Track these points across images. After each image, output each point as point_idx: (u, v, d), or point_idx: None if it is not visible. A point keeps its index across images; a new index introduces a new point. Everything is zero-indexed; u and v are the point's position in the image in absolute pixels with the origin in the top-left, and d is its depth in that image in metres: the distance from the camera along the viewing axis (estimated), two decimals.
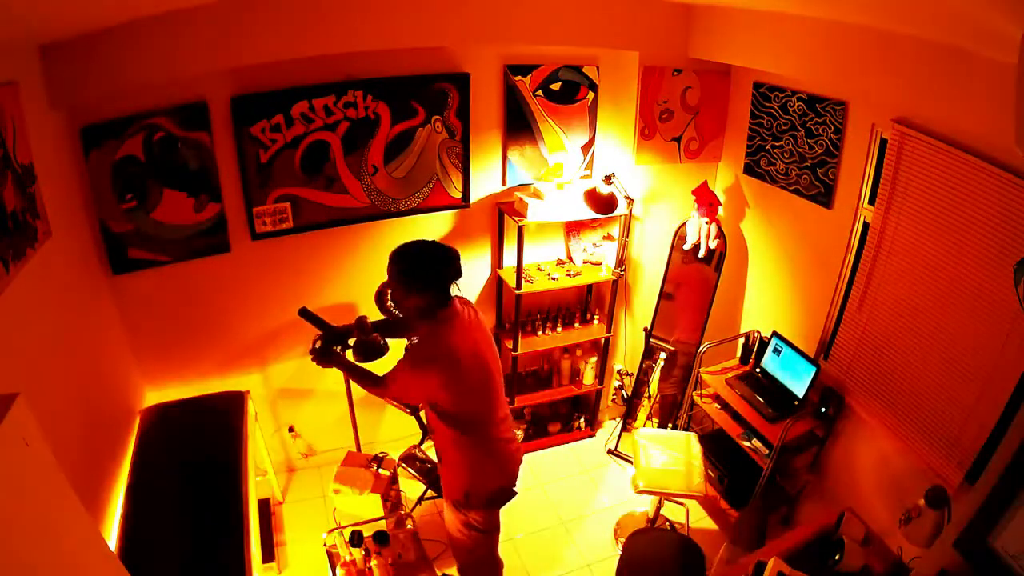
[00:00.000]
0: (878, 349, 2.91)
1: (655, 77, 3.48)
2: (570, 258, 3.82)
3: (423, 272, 2.11)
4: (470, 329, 2.21)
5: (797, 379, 3.19)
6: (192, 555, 2.28)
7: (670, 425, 3.88)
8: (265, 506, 3.38)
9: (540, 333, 3.77)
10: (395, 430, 3.92)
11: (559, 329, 3.82)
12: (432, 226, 3.51)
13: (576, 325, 3.86)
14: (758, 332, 3.55)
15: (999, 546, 1.80)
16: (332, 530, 2.71)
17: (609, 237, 3.76)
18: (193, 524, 2.39)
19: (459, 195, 3.47)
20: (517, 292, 3.49)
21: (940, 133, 2.47)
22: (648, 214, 3.85)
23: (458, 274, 2.16)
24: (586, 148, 3.62)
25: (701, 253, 3.61)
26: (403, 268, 2.12)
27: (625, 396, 4.13)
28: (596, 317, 3.92)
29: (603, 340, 3.91)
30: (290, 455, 3.82)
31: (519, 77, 3.31)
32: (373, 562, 2.49)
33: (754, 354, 3.55)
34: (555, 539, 3.44)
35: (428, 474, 3.27)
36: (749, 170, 3.58)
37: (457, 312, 2.19)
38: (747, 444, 3.25)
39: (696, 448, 3.28)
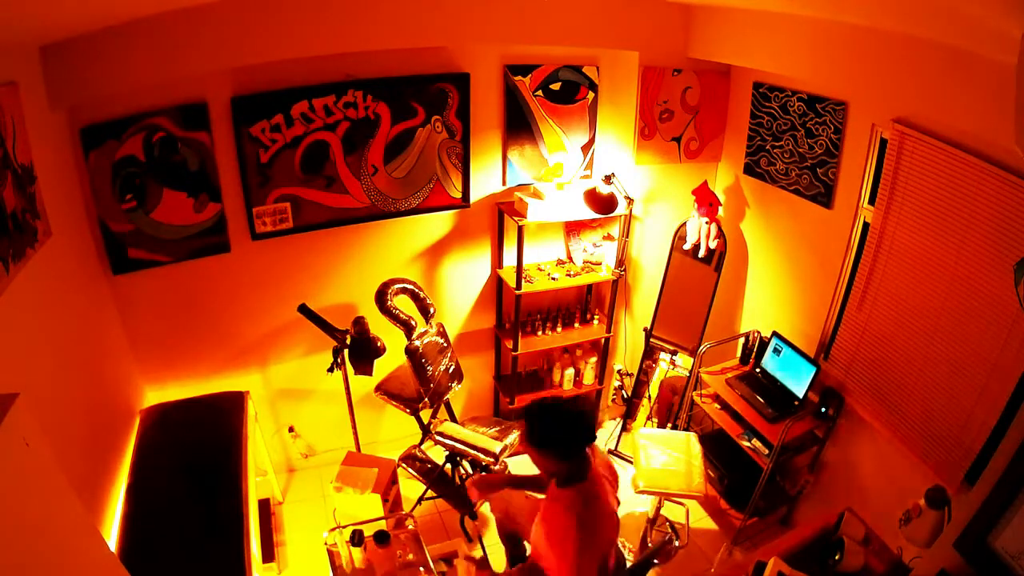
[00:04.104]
0: (878, 349, 2.91)
1: (655, 77, 3.48)
2: (570, 258, 3.82)
3: (555, 439, 2.01)
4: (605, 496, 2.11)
5: (797, 379, 3.19)
6: (192, 555, 2.28)
7: (669, 425, 3.88)
8: (265, 506, 3.38)
9: (540, 333, 3.77)
10: (395, 430, 3.92)
11: (559, 329, 3.82)
12: (432, 226, 3.51)
13: (576, 325, 3.86)
14: (758, 332, 3.55)
15: (999, 546, 1.80)
16: (332, 530, 2.71)
17: (609, 237, 3.76)
18: (193, 524, 2.39)
19: (459, 195, 3.47)
20: (517, 292, 3.49)
21: (940, 133, 2.47)
22: (648, 214, 3.85)
23: (589, 439, 2.06)
24: (586, 148, 3.61)
25: (701, 253, 3.61)
26: (533, 434, 2.02)
27: (625, 396, 4.13)
28: (596, 317, 3.92)
29: (603, 340, 3.91)
30: (290, 455, 3.82)
31: (519, 77, 3.31)
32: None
33: (754, 354, 3.54)
34: None
35: (428, 474, 3.27)
36: (749, 170, 3.58)
37: (594, 480, 2.07)
38: (747, 444, 3.25)
39: (696, 448, 3.28)
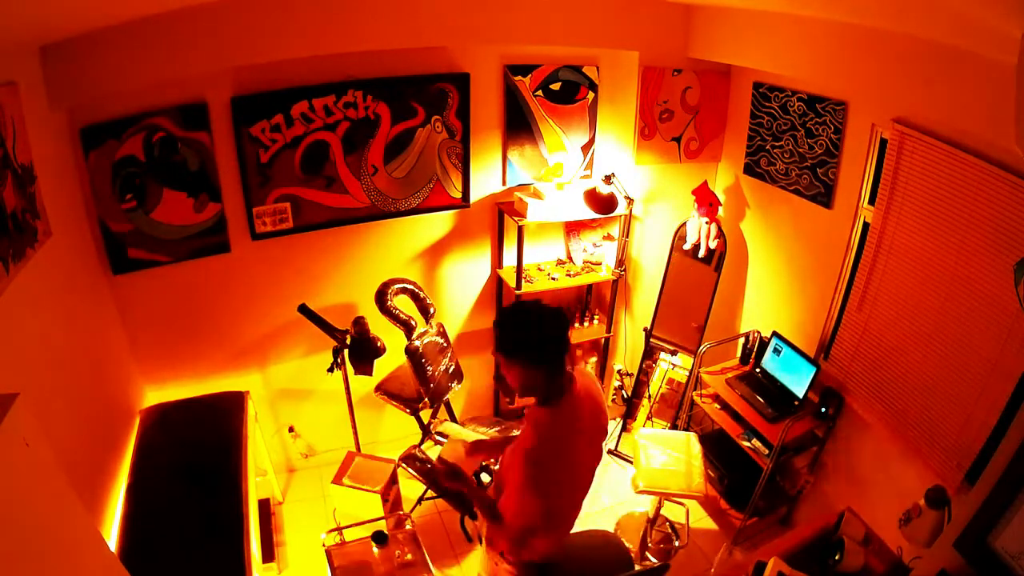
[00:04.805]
0: (878, 349, 2.91)
1: (655, 77, 3.48)
2: (570, 258, 3.82)
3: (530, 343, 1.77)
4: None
5: (797, 379, 3.19)
6: (192, 555, 2.28)
7: (669, 425, 3.88)
8: (265, 506, 3.38)
9: None
10: (395, 430, 3.92)
11: None
12: (432, 226, 3.51)
13: (576, 325, 3.86)
14: (758, 332, 3.55)
15: (999, 546, 1.80)
16: (332, 530, 2.71)
17: (609, 237, 3.76)
18: (193, 524, 2.39)
19: (459, 195, 3.47)
20: (517, 292, 3.49)
21: (940, 133, 2.47)
22: (648, 214, 3.85)
23: (561, 337, 1.80)
24: (586, 148, 3.62)
25: (701, 253, 3.61)
26: (504, 339, 1.78)
27: (625, 396, 4.13)
28: (596, 317, 3.92)
29: (603, 340, 3.91)
30: (290, 455, 3.82)
31: (519, 77, 3.31)
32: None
33: (754, 354, 3.54)
34: None
35: (428, 474, 3.27)
36: (749, 170, 3.58)
37: (569, 414, 1.87)
38: (747, 444, 3.25)
39: (696, 448, 3.28)
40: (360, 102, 3.05)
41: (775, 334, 3.37)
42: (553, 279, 3.59)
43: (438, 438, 3.17)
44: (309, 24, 2.65)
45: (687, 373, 3.77)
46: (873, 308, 2.92)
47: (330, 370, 3.08)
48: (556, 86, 3.40)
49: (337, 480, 3.11)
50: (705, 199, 3.49)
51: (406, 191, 3.34)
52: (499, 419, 3.57)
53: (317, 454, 3.84)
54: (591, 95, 3.49)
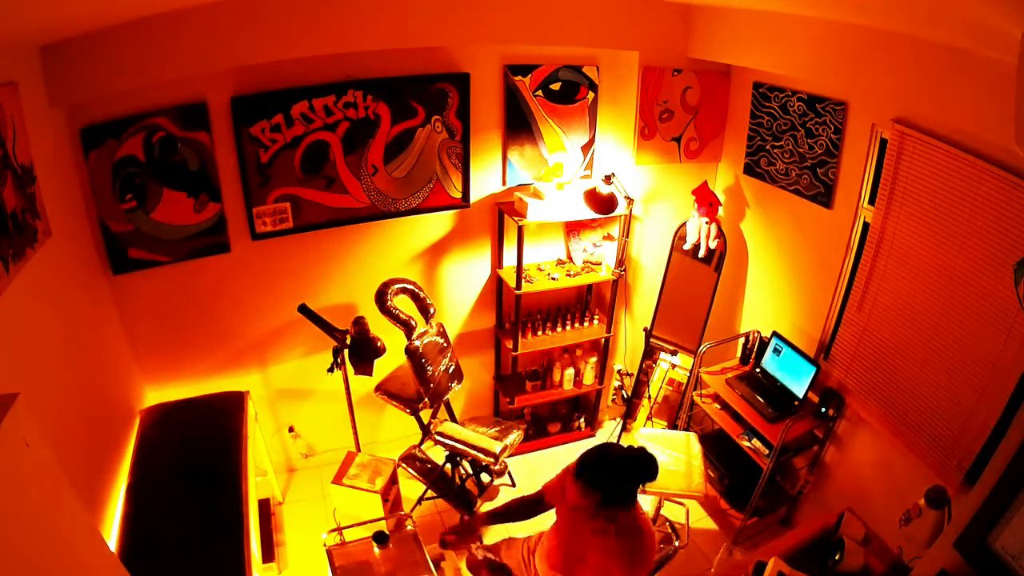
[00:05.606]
0: (878, 349, 2.91)
1: (655, 77, 3.48)
2: (570, 258, 3.82)
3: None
4: None
5: (797, 379, 3.19)
6: (192, 555, 2.28)
7: (669, 425, 3.88)
8: (265, 506, 3.38)
9: (540, 333, 3.77)
10: (395, 430, 3.92)
11: (559, 329, 3.82)
12: (432, 226, 3.51)
13: (576, 325, 3.86)
14: (758, 332, 3.55)
15: (999, 546, 1.80)
16: (332, 530, 2.71)
17: (609, 237, 3.76)
18: (193, 524, 2.39)
19: (459, 195, 3.47)
20: (517, 292, 3.49)
21: (940, 133, 2.47)
22: (648, 214, 3.85)
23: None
24: (586, 148, 3.61)
25: (701, 253, 3.61)
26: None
27: (625, 396, 4.13)
28: (596, 317, 3.92)
29: (603, 340, 3.91)
30: (290, 455, 3.82)
31: (519, 77, 3.31)
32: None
33: (754, 354, 3.54)
34: None
35: (428, 474, 3.27)
36: (749, 170, 3.58)
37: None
38: (747, 444, 3.25)
39: (696, 448, 3.28)
40: (360, 102, 3.05)
41: (775, 334, 3.37)
42: (553, 279, 3.59)
43: (438, 438, 3.17)
44: (309, 24, 2.65)
45: (687, 373, 3.78)
46: (873, 308, 2.92)
47: (330, 370, 3.08)
48: (556, 86, 3.40)
49: (337, 480, 3.12)
50: (705, 199, 3.49)
51: (406, 191, 3.34)
52: (499, 419, 3.57)
53: (317, 454, 3.84)
54: (591, 95, 3.49)
